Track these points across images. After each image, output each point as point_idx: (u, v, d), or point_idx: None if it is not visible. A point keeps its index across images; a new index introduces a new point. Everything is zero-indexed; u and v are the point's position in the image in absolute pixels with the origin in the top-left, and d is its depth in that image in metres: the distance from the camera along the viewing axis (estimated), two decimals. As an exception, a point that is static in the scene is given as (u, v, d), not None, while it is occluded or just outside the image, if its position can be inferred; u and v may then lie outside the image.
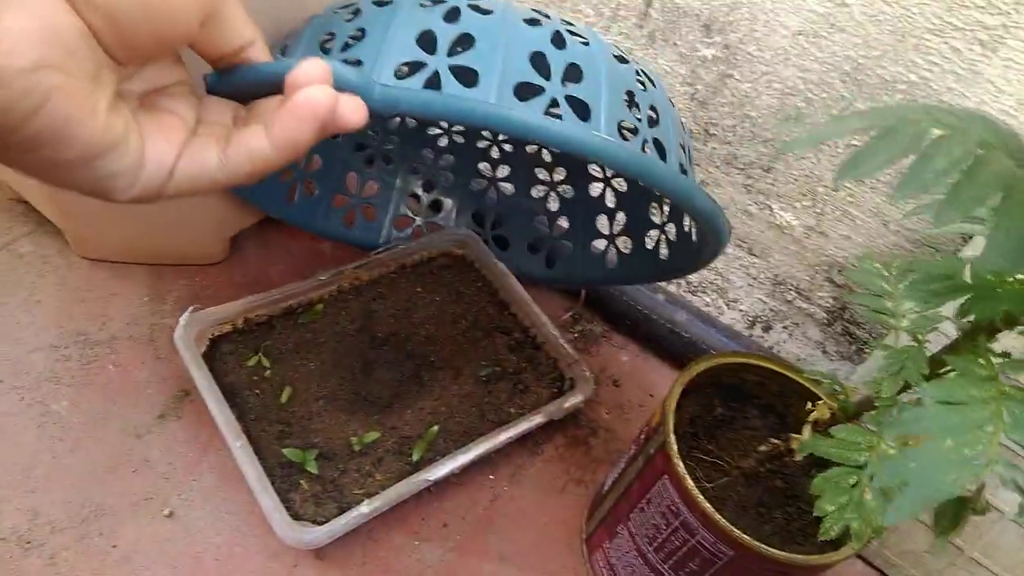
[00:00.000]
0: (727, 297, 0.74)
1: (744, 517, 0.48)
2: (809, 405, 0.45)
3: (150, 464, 0.55)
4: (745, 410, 0.54)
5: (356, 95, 0.31)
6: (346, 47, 0.42)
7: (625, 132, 0.43)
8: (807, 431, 0.44)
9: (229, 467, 0.56)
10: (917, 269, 0.36)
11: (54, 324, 0.61)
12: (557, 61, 0.42)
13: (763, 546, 0.42)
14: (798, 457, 0.43)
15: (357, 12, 0.45)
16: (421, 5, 0.43)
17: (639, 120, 0.44)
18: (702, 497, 0.43)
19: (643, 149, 0.44)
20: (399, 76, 0.39)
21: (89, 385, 0.58)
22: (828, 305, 0.68)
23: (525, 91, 0.40)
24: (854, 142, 0.58)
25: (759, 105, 0.62)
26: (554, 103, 0.41)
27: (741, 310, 0.74)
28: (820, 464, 0.48)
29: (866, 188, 0.60)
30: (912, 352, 0.37)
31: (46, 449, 0.54)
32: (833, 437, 0.40)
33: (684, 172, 0.48)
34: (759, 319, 0.74)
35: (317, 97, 0.28)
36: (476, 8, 0.43)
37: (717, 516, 0.43)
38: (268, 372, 0.59)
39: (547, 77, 0.41)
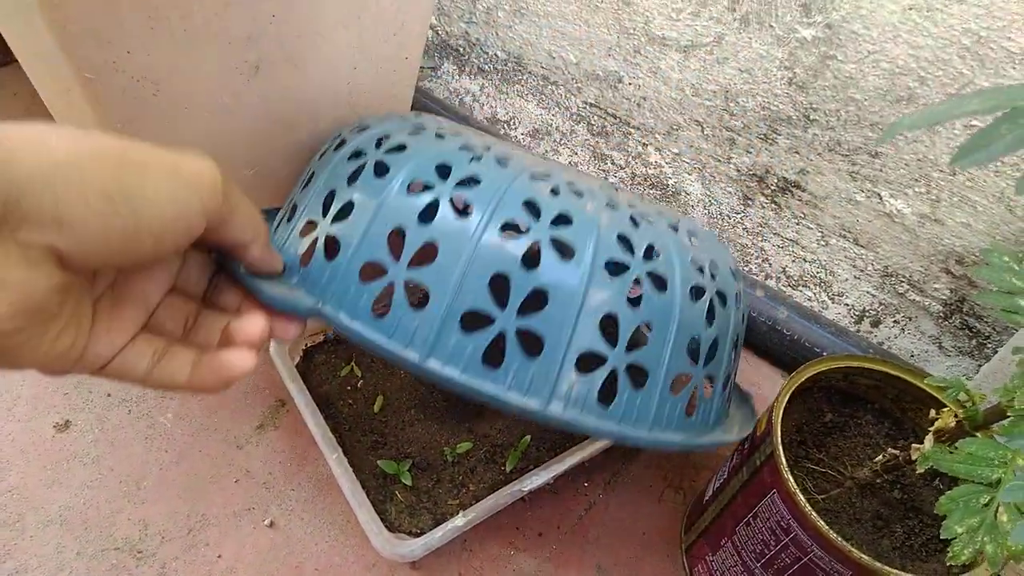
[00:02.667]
0: (831, 291, 0.70)
1: (860, 531, 0.45)
2: (933, 413, 0.41)
3: (250, 474, 0.56)
4: (858, 416, 0.50)
5: (295, 315, 0.34)
6: (336, 219, 0.38)
7: (594, 365, 0.37)
8: (929, 441, 0.41)
9: (325, 477, 0.57)
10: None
11: (157, 337, 0.63)
12: (520, 284, 0.35)
13: (887, 568, 0.39)
14: (920, 469, 0.40)
15: (355, 175, 0.39)
16: (409, 190, 0.38)
17: (613, 348, 0.36)
18: (815, 514, 0.41)
19: (612, 377, 0.37)
20: (364, 278, 0.36)
21: (191, 397, 0.60)
22: (945, 297, 0.63)
23: (471, 322, 0.35)
24: (975, 122, 0.53)
25: (865, 87, 0.58)
26: (500, 338, 0.35)
27: (847, 304, 0.70)
28: (944, 474, 0.44)
29: (989, 171, 0.55)
30: (1054, 359, 0.33)
31: (154, 461, 0.56)
32: (960, 451, 0.37)
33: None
34: (867, 313, 0.69)
35: (233, 368, 0.31)
36: (454, 209, 0.37)
37: (833, 535, 0.40)
38: (360, 382, 0.59)
39: (502, 306, 0.35)
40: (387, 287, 0.36)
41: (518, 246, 0.35)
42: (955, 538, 0.35)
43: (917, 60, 0.54)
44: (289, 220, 0.42)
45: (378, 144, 0.40)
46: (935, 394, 0.46)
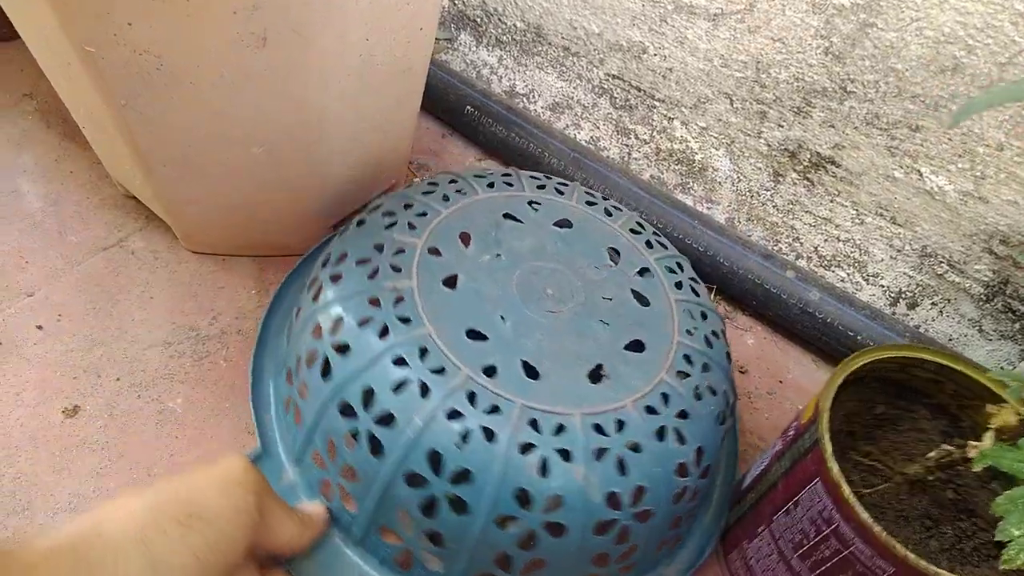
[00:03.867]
0: (866, 272, 0.67)
1: (905, 529, 0.43)
2: (991, 408, 0.39)
3: (264, 463, 0.54)
4: (912, 410, 0.47)
5: None
6: (344, 477, 0.44)
7: None
8: (989, 439, 0.38)
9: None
10: None
11: (167, 320, 0.61)
12: (516, 560, 0.42)
13: (934, 567, 0.37)
14: (976, 467, 0.37)
15: (354, 436, 0.43)
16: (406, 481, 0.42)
17: (605, 567, 0.45)
18: (860, 505, 0.38)
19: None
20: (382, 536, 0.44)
21: (202, 381, 0.58)
22: (987, 279, 0.60)
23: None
24: None
25: (906, 56, 0.54)
26: None
27: (882, 285, 0.67)
28: (1002, 476, 0.42)
29: (1041, 146, 0.52)
30: None
31: (164, 447, 0.54)
32: (1022, 450, 0.34)
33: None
34: (903, 295, 0.66)
35: None
36: (451, 505, 0.41)
37: (878, 528, 0.37)
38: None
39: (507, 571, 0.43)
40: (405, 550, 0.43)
41: (509, 536, 0.41)
42: (1011, 541, 0.33)
43: (964, 27, 0.51)
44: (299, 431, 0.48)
45: (366, 403, 0.42)
46: (995, 390, 0.43)
